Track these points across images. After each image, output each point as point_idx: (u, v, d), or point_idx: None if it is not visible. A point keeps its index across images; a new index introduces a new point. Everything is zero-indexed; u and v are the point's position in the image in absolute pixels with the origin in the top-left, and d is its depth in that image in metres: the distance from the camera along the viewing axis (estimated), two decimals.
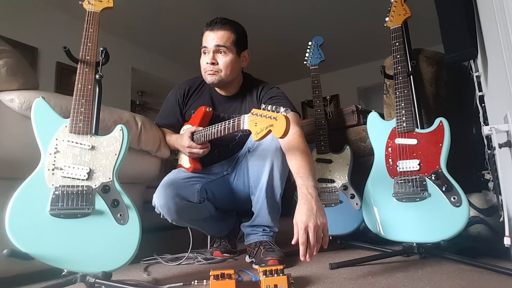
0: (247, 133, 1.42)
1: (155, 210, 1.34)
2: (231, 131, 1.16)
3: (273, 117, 0.96)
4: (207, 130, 1.28)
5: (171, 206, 1.30)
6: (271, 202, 1.33)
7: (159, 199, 1.31)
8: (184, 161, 1.45)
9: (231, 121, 1.15)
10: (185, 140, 1.36)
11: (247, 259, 1.41)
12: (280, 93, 1.46)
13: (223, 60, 1.38)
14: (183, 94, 1.53)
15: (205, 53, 1.41)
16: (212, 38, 1.37)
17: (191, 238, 1.46)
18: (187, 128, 1.41)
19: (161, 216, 1.35)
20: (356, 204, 1.55)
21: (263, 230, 1.37)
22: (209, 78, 1.40)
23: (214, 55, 1.38)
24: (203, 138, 1.31)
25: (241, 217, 1.69)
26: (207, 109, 1.41)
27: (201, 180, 1.43)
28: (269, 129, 0.96)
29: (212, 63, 1.37)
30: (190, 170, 1.42)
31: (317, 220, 1.00)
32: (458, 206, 1.13)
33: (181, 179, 1.38)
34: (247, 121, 1.06)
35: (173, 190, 1.31)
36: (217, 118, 1.46)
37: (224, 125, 1.20)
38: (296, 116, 1.35)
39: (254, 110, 1.04)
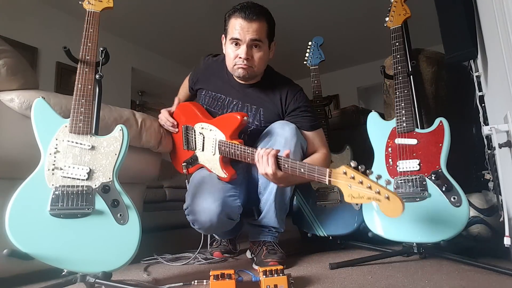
0: (260, 128, 1.37)
1: (189, 217, 1.27)
2: (306, 177, 1.04)
3: (382, 193, 0.86)
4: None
5: (214, 222, 1.22)
6: (279, 205, 1.31)
7: (202, 213, 1.22)
8: (218, 170, 1.30)
9: (307, 168, 1.02)
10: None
11: (248, 254, 1.41)
12: (307, 103, 1.38)
13: (258, 55, 1.30)
14: (198, 72, 1.54)
15: (236, 45, 1.30)
16: (247, 31, 1.26)
17: (202, 239, 1.35)
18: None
19: (191, 224, 1.29)
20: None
21: (269, 230, 1.36)
22: (240, 71, 1.31)
23: (248, 50, 1.28)
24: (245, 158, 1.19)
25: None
26: (244, 118, 1.25)
27: (239, 195, 1.33)
28: (374, 201, 0.87)
29: (247, 59, 1.28)
30: (227, 180, 1.28)
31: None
32: (458, 206, 1.13)
33: (226, 194, 1.26)
34: (336, 179, 0.95)
35: (219, 207, 1.22)
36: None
37: (304, 169, 1.03)
38: (323, 134, 1.38)
39: (345, 169, 0.92)
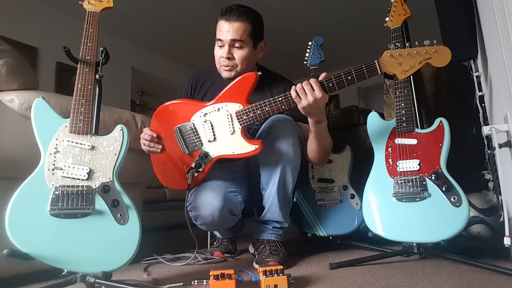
0: (260, 127, 1.36)
1: (191, 213, 1.29)
2: (356, 81, 1.10)
3: (428, 51, 1.02)
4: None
5: (216, 217, 1.25)
6: (282, 197, 1.31)
7: (205, 208, 1.25)
8: (243, 148, 1.21)
9: (354, 71, 1.09)
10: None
11: (251, 249, 1.41)
12: None
13: (239, 54, 1.32)
14: (191, 87, 1.48)
15: (221, 46, 1.34)
16: (227, 31, 1.30)
17: (194, 238, 1.38)
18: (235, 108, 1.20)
19: (193, 220, 1.30)
20: (356, 204, 1.55)
21: (273, 227, 1.36)
22: (225, 74, 1.35)
23: (229, 49, 1.32)
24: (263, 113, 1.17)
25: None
26: (258, 73, 1.21)
27: (241, 192, 1.36)
28: (426, 62, 1.03)
29: (228, 58, 1.32)
30: (260, 150, 1.19)
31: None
32: (458, 206, 1.13)
33: (227, 190, 1.30)
34: (385, 64, 1.06)
35: (221, 201, 1.24)
36: None
37: (344, 76, 1.09)
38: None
39: (390, 52, 1.06)
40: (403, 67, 1.05)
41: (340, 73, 1.11)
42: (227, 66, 1.34)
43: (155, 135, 1.30)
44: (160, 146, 1.30)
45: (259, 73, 1.22)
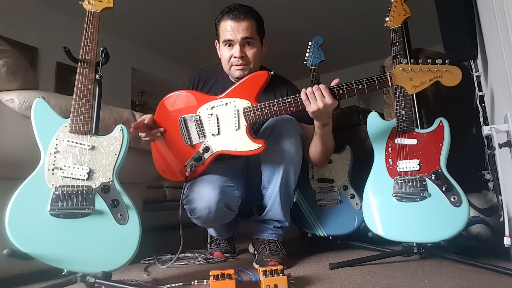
0: (259, 127, 1.37)
1: (187, 206, 1.28)
2: (367, 91, 1.10)
3: (440, 70, 1.03)
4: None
5: (212, 210, 1.23)
6: (284, 197, 1.31)
7: (201, 201, 1.23)
8: (246, 145, 1.21)
9: (365, 81, 1.09)
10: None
11: (250, 249, 1.41)
12: None
13: (252, 51, 1.33)
14: (192, 84, 1.47)
15: (229, 46, 1.33)
16: (237, 30, 1.29)
17: (181, 238, 1.34)
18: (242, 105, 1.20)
19: (189, 214, 1.29)
20: (356, 204, 1.55)
21: (274, 227, 1.36)
22: (238, 73, 1.33)
23: (241, 48, 1.31)
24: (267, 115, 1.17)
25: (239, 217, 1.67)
26: (270, 73, 1.22)
27: (238, 188, 1.36)
28: (437, 80, 1.05)
29: (242, 57, 1.31)
30: (263, 149, 1.19)
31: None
32: (458, 206, 1.13)
33: (224, 184, 1.28)
34: (397, 77, 1.07)
35: (218, 194, 1.22)
36: None
37: (355, 84, 1.10)
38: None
39: (402, 66, 1.06)
40: (414, 83, 1.06)
41: (352, 82, 1.11)
42: (241, 64, 1.33)
43: (145, 120, 1.27)
44: (161, 129, 1.28)
45: (272, 72, 1.22)
